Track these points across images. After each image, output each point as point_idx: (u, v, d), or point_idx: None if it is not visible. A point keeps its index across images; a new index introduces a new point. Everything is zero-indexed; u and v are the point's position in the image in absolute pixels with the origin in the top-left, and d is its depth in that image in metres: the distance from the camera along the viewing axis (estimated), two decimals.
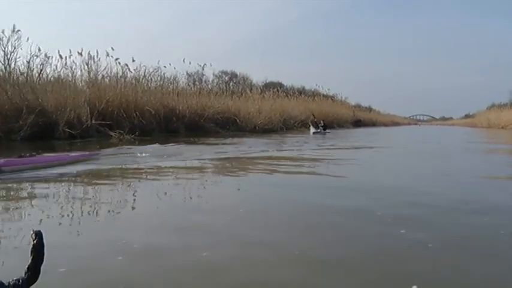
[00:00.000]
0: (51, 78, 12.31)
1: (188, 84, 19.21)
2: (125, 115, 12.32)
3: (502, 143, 13.48)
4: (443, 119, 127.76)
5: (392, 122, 56.60)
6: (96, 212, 2.97)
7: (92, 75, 12.89)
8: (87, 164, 5.45)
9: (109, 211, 3.04)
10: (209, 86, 20.40)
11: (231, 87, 21.87)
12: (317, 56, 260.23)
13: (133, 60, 14.60)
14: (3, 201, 3.36)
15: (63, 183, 4.30)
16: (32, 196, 3.64)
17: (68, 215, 2.84)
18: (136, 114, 12.64)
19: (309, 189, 4.03)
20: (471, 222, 2.73)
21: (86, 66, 12.81)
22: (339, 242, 2.31)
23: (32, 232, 0.95)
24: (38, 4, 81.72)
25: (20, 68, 11.61)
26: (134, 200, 3.53)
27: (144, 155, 6.83)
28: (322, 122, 17.83)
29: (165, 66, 16.44)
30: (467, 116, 70.98)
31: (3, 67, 11.16)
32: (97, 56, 13.08)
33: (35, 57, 11.67)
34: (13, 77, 11.12)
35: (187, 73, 18.72)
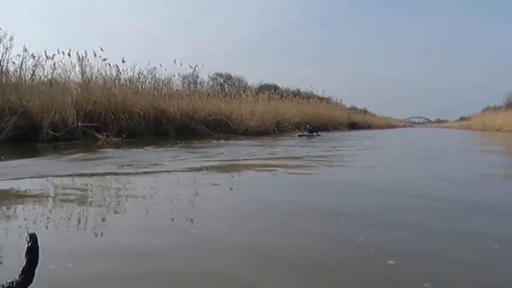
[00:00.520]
0: (45, 79, 12.13)
1: (183, 87, 19.00)
2: (113, 117, 12.02)
3: (497, 145, 13.41)
4: (439, 121, 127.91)
5: (388, 125, 56.53)
6: None
7: (85, 76, 12.70)
8: None
9: None
10: (204, 88, 20.18)
11: (226, 89, 21.68)
12: (317, 56, 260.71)
13: (124, 61, 14.37)
14: None
15: None
16: None
17: None
18: (124, 116, 12.34)
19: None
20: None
21: (79, 68, 12.64)
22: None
23: (26, 235, 0.94)
24: (38, 4, 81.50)
25: (11, 69, 11.46)
26: None
27: None
28: (307, 125, 17.74)
29: (161, 66, 16.27)
30: (462, 119, 71.09)
31: None
32: (92, 57, 12.99)
33: (26, 59, 11.50)
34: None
35: (178, 75, 18.41)
